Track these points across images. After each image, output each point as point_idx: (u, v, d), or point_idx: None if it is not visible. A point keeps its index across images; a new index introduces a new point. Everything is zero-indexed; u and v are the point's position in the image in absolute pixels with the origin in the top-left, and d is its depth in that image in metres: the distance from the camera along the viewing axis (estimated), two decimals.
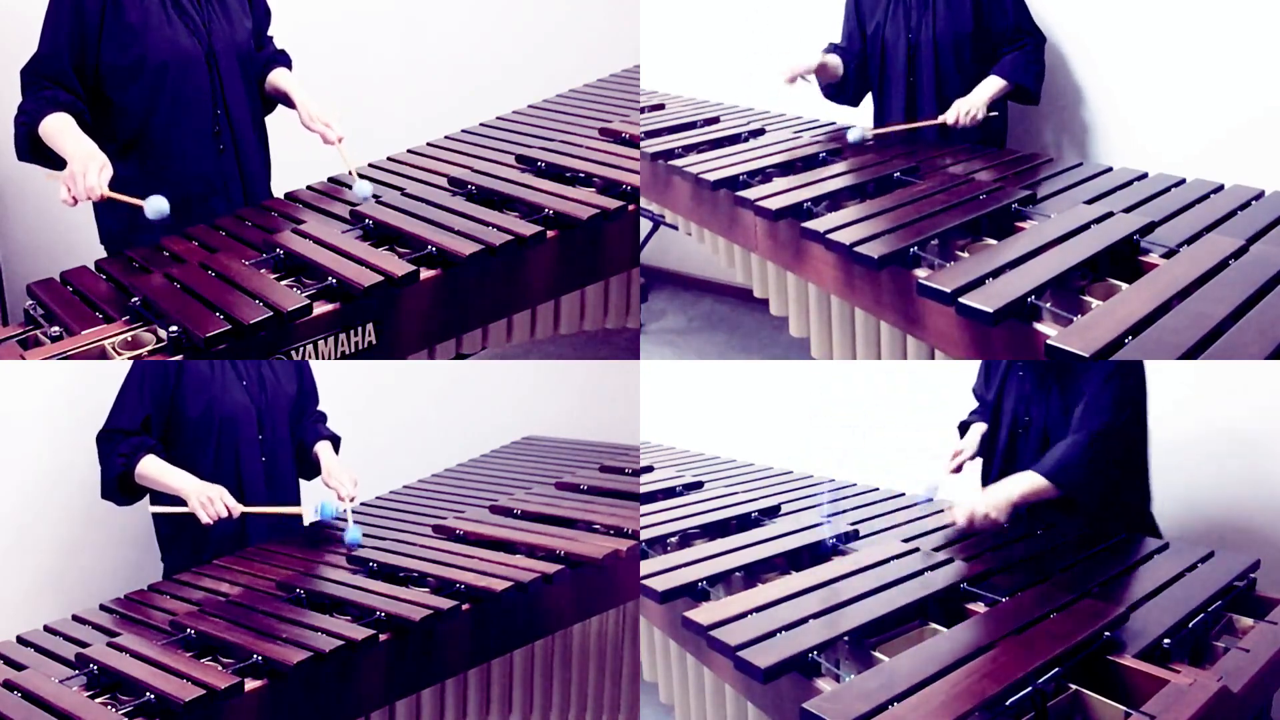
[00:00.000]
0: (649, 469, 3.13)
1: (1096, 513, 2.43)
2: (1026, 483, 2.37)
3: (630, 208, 2.50)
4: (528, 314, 2.46)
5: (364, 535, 2.56)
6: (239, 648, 1.97)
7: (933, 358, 2.26)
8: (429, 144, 2.83)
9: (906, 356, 2.33)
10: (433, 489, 3.10)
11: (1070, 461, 2.35)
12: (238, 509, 2.46)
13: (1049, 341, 1.82)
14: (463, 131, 2.91)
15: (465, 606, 2.19)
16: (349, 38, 3.67)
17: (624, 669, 2.58)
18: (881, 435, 3.78)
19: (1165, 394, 2.59)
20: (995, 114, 2.98)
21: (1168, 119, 3.06)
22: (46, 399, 2.99)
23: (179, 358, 2.01)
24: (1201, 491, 2.94)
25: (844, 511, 2.66)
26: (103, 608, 2.27)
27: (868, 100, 3.20)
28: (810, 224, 2.40)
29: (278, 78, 2.62)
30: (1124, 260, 2.20)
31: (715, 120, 3.24)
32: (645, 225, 3.81)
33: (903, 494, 2.94)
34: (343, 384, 3.06)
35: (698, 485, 3.02)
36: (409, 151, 2.78)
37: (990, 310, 1.94)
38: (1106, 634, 1.85)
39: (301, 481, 2.78)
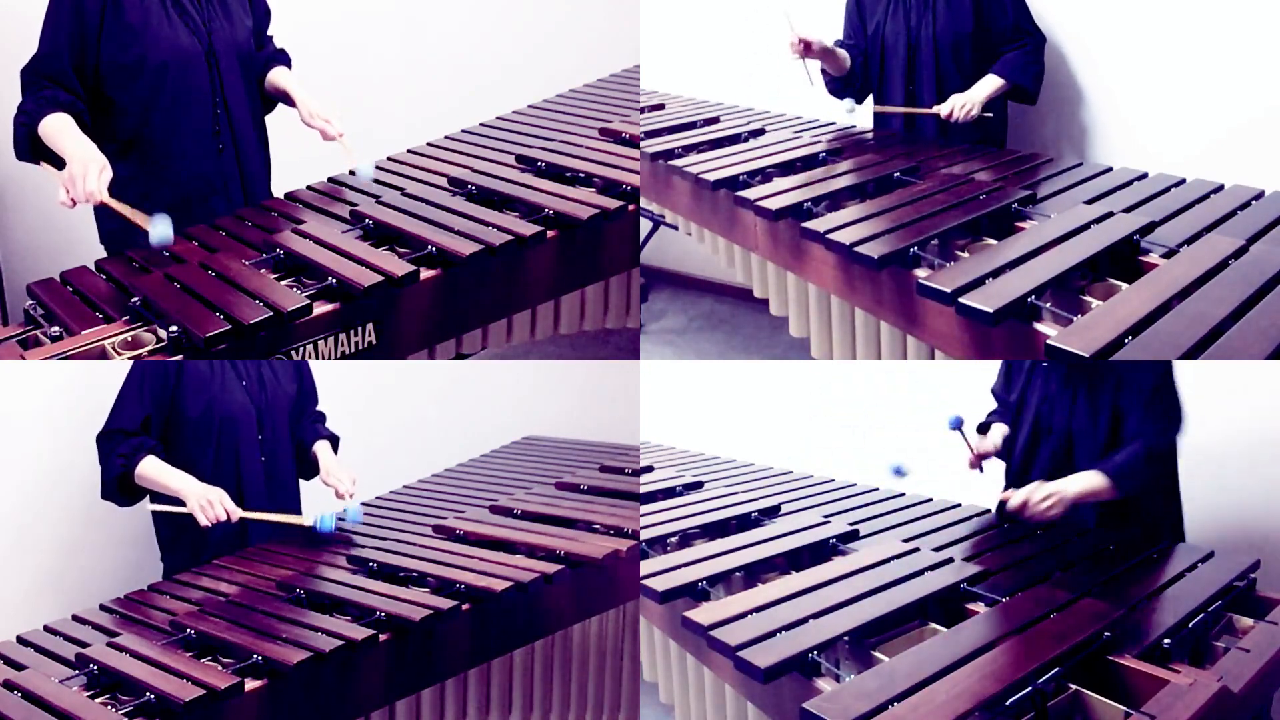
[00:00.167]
0: (649, 469, 3.13)
1: (1146, 519, 2.44)
2: (1088, 481, 2.38)
3: (630, 208, 2.50)
4: (528, 314, 2.46)
5: (364, 535, 2.55)
6: (239, 648, 1.97)
7: (933, 358, 2.26)
8: (429, 144, 2.83)
9: (906, 356, 2.33)
10: (433, 489, 3.10)
11: (1133, 466, 2.37)
12: (237, 513, 2.46)
13: (1049, 341, 1.82)
14: (463, 131, 2.91)
15: (465, 606, 2.19)
16: (349, 38, 3.67)
17: (624, 669, 2.58)
18: (881, 435, 3.78)
19: None
20: (991, 114, 2.98)
21: (1168, 119, 3.06)
22: (46, 399, 2.99)
23: (179, 358, 2.01)
24: (1202, 492, 2.94)
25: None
26: (103, 608, 2.27)
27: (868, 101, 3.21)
28: (810, 224, 2.40)
29: (277, 76, 2.62)
30: (1124, 260, 2.20)
31: (715, 120, 3.24)
32: (645, 225, 3.81)
33: (903, 494, 2.94)
34: (343, 384, 3.06)
35: (698, 485, 3.02)
36: (409, 151, 2.78)
37: (990, 310, 1.94)
38: (1106, 634, 1.85)
39: (301, 481, 2.78)
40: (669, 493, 2.92)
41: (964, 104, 2.92)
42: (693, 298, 4.39)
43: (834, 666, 1.79)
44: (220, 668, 1.92)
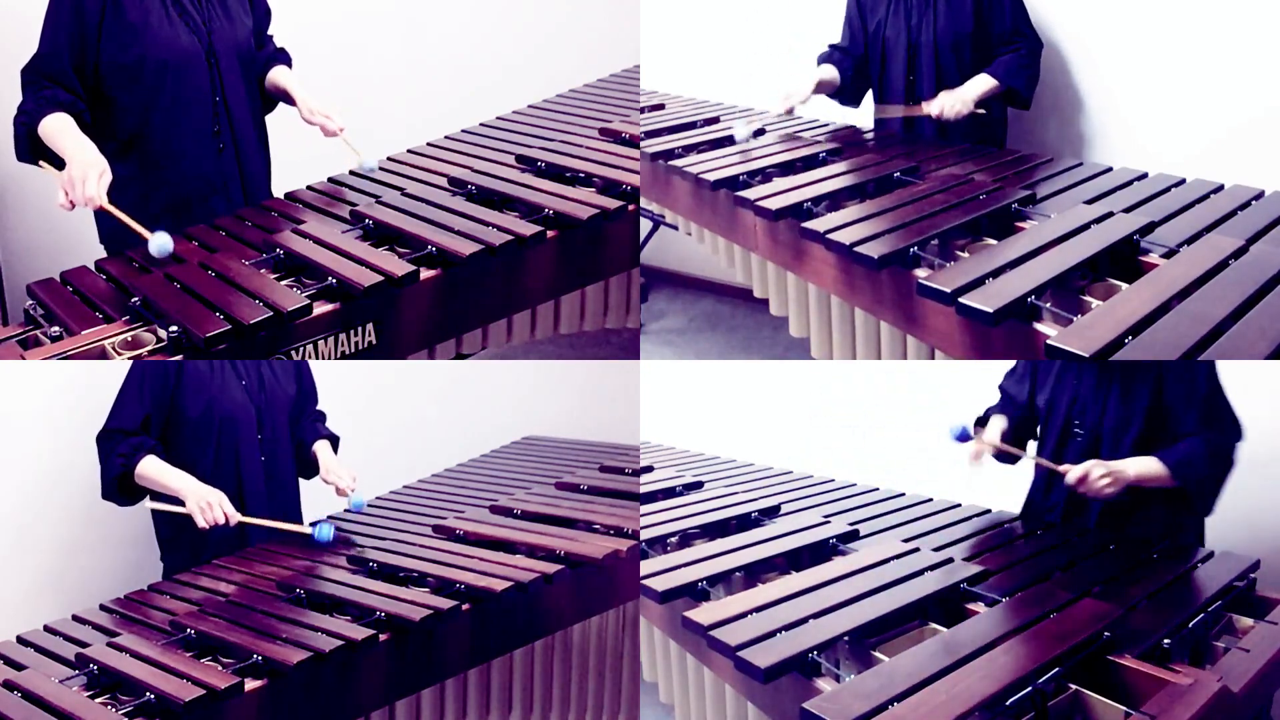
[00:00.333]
0: (649, 469, 3.13)
1: (1190, 514, 2.46)
2: (1146, 465, 2.38)
3: (630, 208, 2.50)
4: (528, 314, 2.46)
5: (364, 535, 2.55)
6: (239, 648, 1.97)
7: (933, 358, 2.26)
8: (429, 144, 2.83)
9: (906, 356, 2.33)
10: (433, 489, 3.10)
11: (1191, 457, 2.37)
12: (236, 517, 2.45)
13: (1049, 341, 1.82)
14: (463, 131, 2.91)
15: (465, 606, 2.19)
16: (349, 38, 3.67)
17: (624, 669, 2.58)
18: (881, 435, 3.78)
19: None
20: (983, 111, 2.98)
21: (1168, 119, 3.06)
22: (46, 399, 2.99)
23: (179, 358, 2.01)
24: None
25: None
26: (103, 608, 2.26)
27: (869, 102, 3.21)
28: (810, 224, 2.40)
29: (277, 75, 2.62)
30: (1124, 260, 2.20)
31: (715, 120, 3.24)
32: (645, 225, 3.81)
33: (903, 494, 2.94)
34: (343, 384, 3.06)
35: (698, 485, 3.02)
36: (409, 151, 2.78)
37: (990, 310, 1.94)
38: (1106, 634, 1.85)
39: (301, 481, 2.78)
40: (669, 493, 2.92)
41: (953, 102, 2.93)
42: (693, 298, 4.39)
43: (834, 666, 1.79)
44: (220, 668, 1.92)
